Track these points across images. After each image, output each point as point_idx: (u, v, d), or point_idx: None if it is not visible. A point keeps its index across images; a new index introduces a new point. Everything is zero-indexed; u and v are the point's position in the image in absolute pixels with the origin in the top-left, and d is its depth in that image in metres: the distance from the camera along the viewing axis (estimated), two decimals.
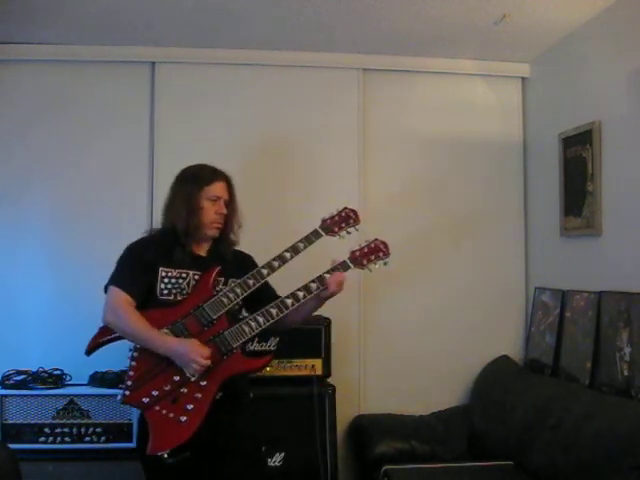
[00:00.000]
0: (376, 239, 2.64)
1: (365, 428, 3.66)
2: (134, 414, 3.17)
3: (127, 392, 2.35)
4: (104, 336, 2.48)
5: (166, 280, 2.46)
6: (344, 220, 2.65)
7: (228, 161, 3.64)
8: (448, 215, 3.96)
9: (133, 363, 2.38)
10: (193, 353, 2.30)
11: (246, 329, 2.42)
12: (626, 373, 2.87)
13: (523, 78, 4.05)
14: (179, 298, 2.45)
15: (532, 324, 3.78)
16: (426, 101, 4.00)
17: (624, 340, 2.90)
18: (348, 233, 2.65)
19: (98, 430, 3.17)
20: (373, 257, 2.61)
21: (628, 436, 2.49)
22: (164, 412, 2.31)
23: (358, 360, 3.85)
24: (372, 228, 3.74)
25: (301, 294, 2.48)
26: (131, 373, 2.37)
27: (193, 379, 2.33)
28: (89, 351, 2.49)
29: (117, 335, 2.45)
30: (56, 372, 3.29)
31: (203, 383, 2.34)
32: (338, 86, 3.90)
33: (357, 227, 2.67)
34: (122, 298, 2.40)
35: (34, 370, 3.28)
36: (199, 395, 2.33)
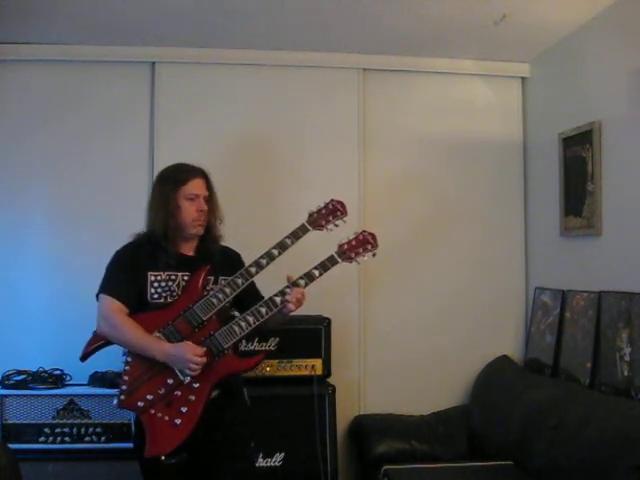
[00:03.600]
0: (364, 231, 2.64)
1: (365, 428, 3.65)
2: (133, 415, 3.18)
3: (122, 396, 2.37)
4: (98, 341, 2.48)
5: (156, 284, 2.46)
6: (331, 213, 2.61)
7: (228, 161, 3.67)
8: (448, 215, 3.96)
9: (127, 367, 2.40)
10: (188, 353, 2.31)
11: (236, 329, 2.41)
12: (626, 373, 2.87)
13: (523, 78, 4.04)
14: (170, 300, 2.46)
15: (532, 324, 3.78)
16: (426, 101, 3.99)
17: (624, 340, 2.90)
18: (336, 226, 2.61)
19: (98, 430, 3.17)
20: (361, 250, 2.59)
21: (628, 436, 2.49)
22: (159, 415, 2.33)
23: (358, 360, 3.85)
24: (371, 228, 3.75)
25: (288, 290, 2.46)
26: (125, 377, 2.38)
27: (187, 381, 2.34)
28: (84, 357, 2.49)
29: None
30: (56, 372, 3.29)
31: (196, 385, 2.35)
32: (338, 86, 3.90)
33: (345, 219, 2.63)
34: (114, 307, 2.41)
35: (34, 370, 3.28)
36: (192, 397, 2.35)
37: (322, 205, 2.63)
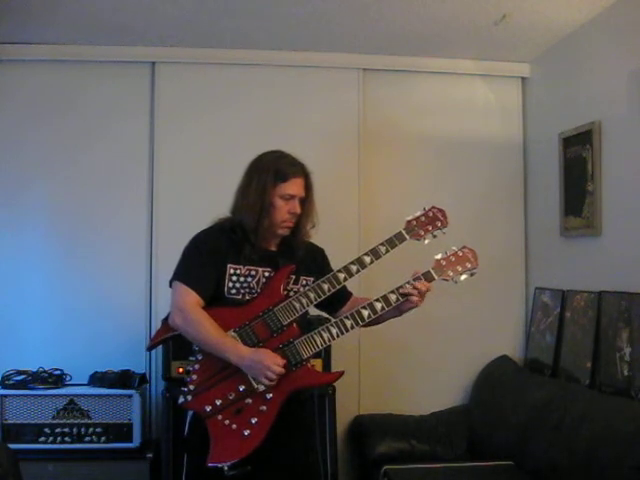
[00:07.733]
0: (464, 247, 2.46)
1: (365, 428, 3.65)
2: (134, 414, 3.18)
3: (189, 397, 2.19)
4: (168, 332, 2.31)
5: (234, 278, 2.27)
6: (431, 222, 2.43)
7: (228, 161, 3.66)
8: (447, 215, 3.95)
9: (197, 366, 2.22)
10: (267, 361, 2.14)
11: (317, 340, 2.25)
12: (626, 373, 2.87)
13: (523, 78, 4.04)
14: (247, 298, 2.28)
15: (532, 324, 3.78)
16: (426, 101, 3.99)
17: (624, 340, 2.90)
18: (434, 237, 2.43)
19: (98, 430, 3.17)
20: (460, 268, 2.42)
21: (628, 436, 2.49)
22: (227, 422, 2.16)
23: (358, 360, 3.84)
24: (372, 228, 3.75)
25: (379, 305, 2.33)
26: (194, 377, 2.21)
27: (260, 389, 2.18)
28: (151, 347, 2.33)
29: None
30: (56, 372, 3.29)
31: (269, 396, 2.19)
32: (338, 86, 3.90)
33: (444, 230, 2.45)
34: (190, 299, 2.22)
35: (34, 370, 3.29)
36: (264, 408, 2.18)
37: (421, 212, 2.43)
